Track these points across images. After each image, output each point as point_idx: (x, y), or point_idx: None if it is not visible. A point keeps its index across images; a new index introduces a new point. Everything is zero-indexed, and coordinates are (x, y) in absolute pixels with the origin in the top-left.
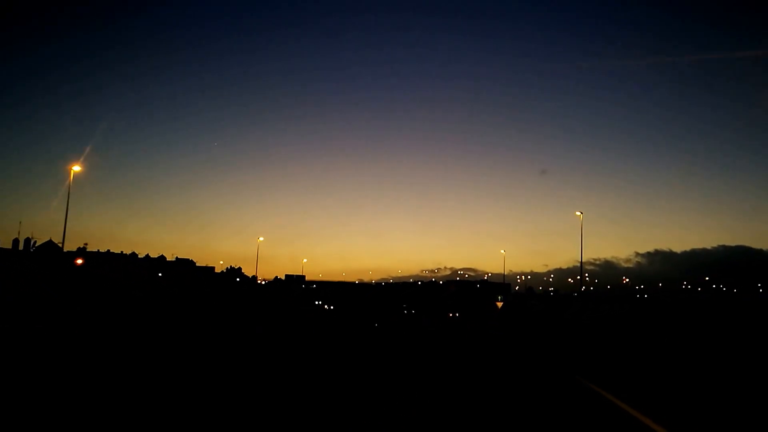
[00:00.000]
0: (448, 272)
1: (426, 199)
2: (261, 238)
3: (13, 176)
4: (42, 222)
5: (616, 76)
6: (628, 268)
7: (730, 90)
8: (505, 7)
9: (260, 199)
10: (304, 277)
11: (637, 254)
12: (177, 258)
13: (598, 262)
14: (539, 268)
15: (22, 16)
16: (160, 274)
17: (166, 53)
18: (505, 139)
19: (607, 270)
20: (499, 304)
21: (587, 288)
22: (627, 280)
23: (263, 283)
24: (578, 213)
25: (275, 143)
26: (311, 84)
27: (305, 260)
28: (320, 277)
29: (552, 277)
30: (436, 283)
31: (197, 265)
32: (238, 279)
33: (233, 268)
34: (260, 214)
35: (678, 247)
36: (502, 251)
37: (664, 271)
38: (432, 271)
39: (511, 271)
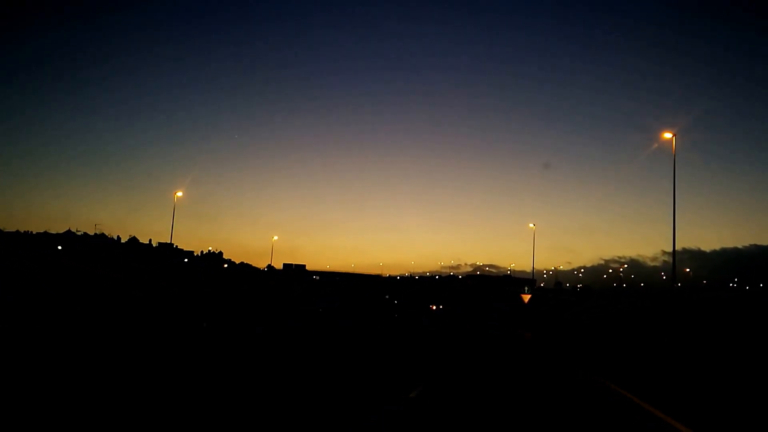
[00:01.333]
0: (469, 269)
1: (445, 195)
2: (276, 237)
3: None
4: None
5: (636, 67)
6: (654, 266)
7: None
8: None
9: (274, 192)
10: (304, 266)
11: (665, 252)
12: (159, 243)
13: (623, 260)
14: (563, 266)
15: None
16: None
17: (180, 44)
18: (527, 136)
19: (633, 269)
20: (526, 297)
21: (619, 285)
22: (664, 276)
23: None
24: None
25: (290, 135)
26: (329, 76)
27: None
28: (327, 268)
29: (581, 274)
30: (455, 277)
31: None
32: (226, 266)
33: (213, 252)
34: (275, 206)
35: (707, 246)
36: (531, 225)
37: (693, 269)
38: (452, 267)
39: (534, 268)
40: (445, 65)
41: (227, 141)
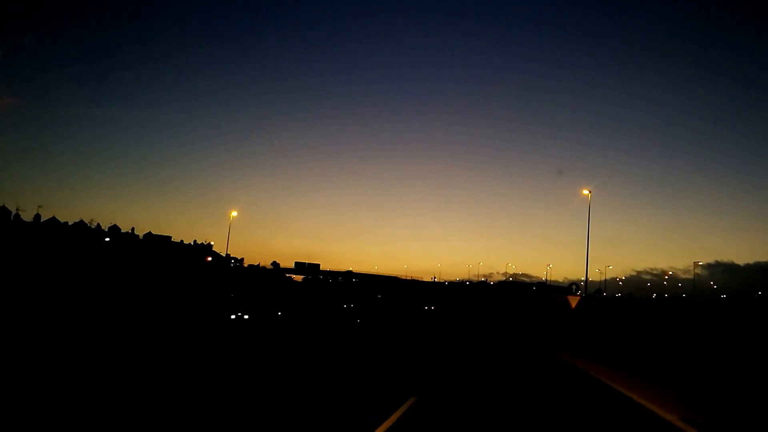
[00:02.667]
0: (501, 277)
1: (477, 203)
2: (234, 213)
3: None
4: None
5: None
6: (686, 279)
7: None
8: None
9: (308, 197)
10: (318, 266)
11: (697, 265)
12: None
13: (655, 272)
14: (594, 276)
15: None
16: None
17: (224, 53)
18: (559, 149)
19: (664, 281)
20: (574, 300)
21: (649, 296)
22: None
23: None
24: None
25: (323, 143)
26: (364, 87)
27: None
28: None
29: (621, 283)
30: (486, 283)
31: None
32: (210, 258)
33: (204, 244)
34: (306, 212)
35: (741, 259)
36: (586, 190)
37: (726, 282)
38: (483, 275)
39: (566, 278)
40: (476, 74)
41: (267, 146)
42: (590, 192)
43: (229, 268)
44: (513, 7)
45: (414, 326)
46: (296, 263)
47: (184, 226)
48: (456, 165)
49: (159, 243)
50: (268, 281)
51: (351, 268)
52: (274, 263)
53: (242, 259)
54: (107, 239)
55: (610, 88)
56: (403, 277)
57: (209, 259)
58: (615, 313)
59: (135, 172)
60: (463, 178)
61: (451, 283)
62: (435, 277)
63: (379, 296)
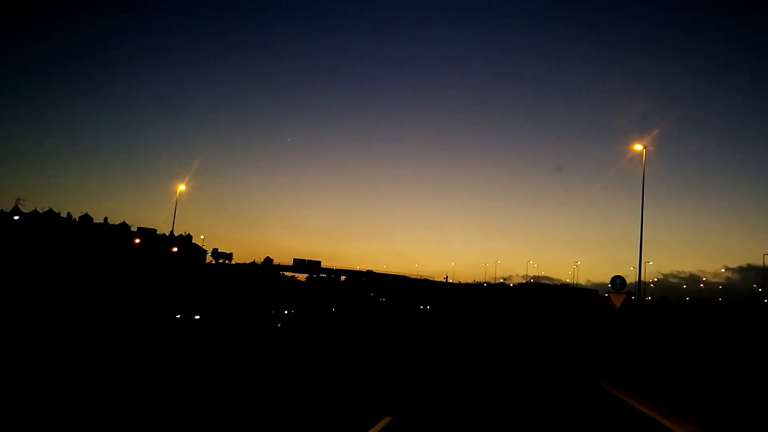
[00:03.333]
0: (520, 280)
1: (495, 203)
2: (182, 186)
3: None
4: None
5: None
6: (716, 282)
7: None
8: None
9: (320, 195)
10: (319, 263)
11: (727, 268)
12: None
13: (682, 275)
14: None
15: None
16: None
17: (235, 50)
18: (584, 147)
19: (693, 284)
20: (618, 299)
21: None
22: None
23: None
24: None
25: (336, 142)
26: (377, 86)
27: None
28: (357, 268)
29: (653, 286)
30: (504, 285)
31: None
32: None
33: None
34: (318, 210)
35: None
36: (639, 144)
37: (757, 285)
38: (502, 278)
39: (589, 281)
40: (496, 71)
41: (280, 143)
42: (644, 148)
43: (182, 258)
44: None
45: (418, 332)
46: (295, 260)
47: (202, 229)
48: (474, 164)
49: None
50: (252, 278)
51: (358, 267)
52: (267, 259)
53: (231, 254)
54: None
55: (644, 86)
56: (413, 277)
57: (137, 241)
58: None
59: (136, 166)
60: (483, 178)
61: (465, 284)
62: (447, 277)
63: (382, 299)
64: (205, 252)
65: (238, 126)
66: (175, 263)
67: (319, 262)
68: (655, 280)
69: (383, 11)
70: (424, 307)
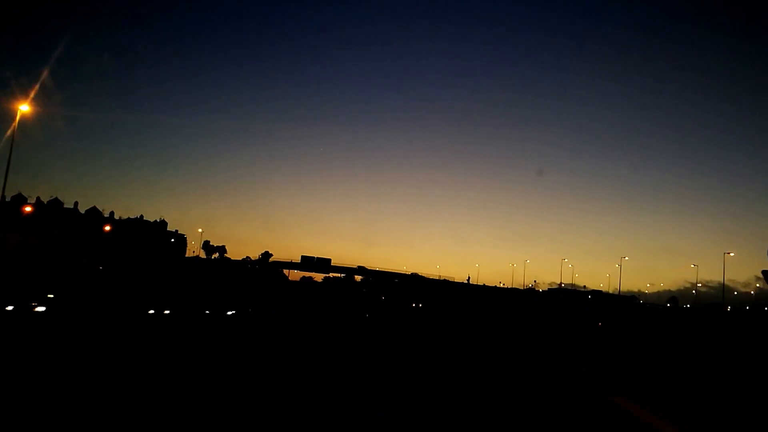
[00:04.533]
0: (545, 287)
1: (519, 211)
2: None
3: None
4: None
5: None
6: (746, 293)
7: None
8: None
9: (344, 199)
10: (329, 261)
11: (758, 278)
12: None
13: (711, 285)
14: (645, 288)
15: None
16: None
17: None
18: (610, 155)
19: (722, 293)
20: None
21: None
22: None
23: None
24: None
25: (362, 148)
26: (402, 94)
27: None
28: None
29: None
30: (533, 290)
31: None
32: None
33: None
34: (341, 215)
35: None
36: None
37: None
38: (527, 285)
39: (615, 288)
40: (518, 77)
41: (310, 151)
42: None
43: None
44: None
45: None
46: (303, 257)
47: (231, 231)
48: (502, 171)
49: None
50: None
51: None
52: (265, 254)
53: (223, 247)
54: None
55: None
56: (430, 277)
57: (108, 228)
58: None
59: (181, 171)
60: (511, 184)
61: (489, 287)
62: (469, 278)
63: (382, 297)
64: (183, 243)
65: (265, 134)
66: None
67: (329, 260)
68: (677, 289)
69: (421, 19)
70: (443, 310)
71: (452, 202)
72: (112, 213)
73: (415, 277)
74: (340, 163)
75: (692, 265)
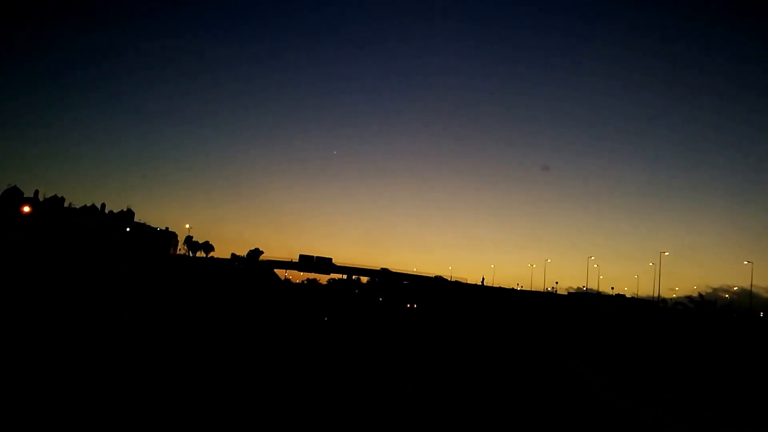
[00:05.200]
0: (564, 292)
1: (538, 214)
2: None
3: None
4: None
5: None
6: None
7: None
8: None
9: (356, 202)
10: (330, 260)
11: None
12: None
13: (734, 290)
14: (666, 293)
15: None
16: None
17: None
18: (627, 158)
19: (746, 299)
20: None
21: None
22: None
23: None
24: None
25: (378, 152)
26: (421, 98)
27: None
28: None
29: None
30: (553, 294)
31: None
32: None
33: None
34: (354, 218)
35: None
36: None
37: None
38: (555, 283)
39: (635, 294)
40: (535, 78)
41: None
42: None
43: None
44: None
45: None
46: (301, 256)
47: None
48: (506, 177)
49: None
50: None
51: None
52: (253, 252)
53: (207, 242)
54: None
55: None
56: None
57: (27, 209)
58: None
59: (194, 173)
60: (520, 190)
61: (506, 289)
62: (484, 279)
63: (380, 298)
64: (168, 237)
65: (283, 137)
66: None
67: (330, 259)
68: (702, 293)
69: (442, 20)
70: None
71: (464, 203)
72: (61, 198)
73: (437, 279)
74: (350, 166)
75: (745, 262)
